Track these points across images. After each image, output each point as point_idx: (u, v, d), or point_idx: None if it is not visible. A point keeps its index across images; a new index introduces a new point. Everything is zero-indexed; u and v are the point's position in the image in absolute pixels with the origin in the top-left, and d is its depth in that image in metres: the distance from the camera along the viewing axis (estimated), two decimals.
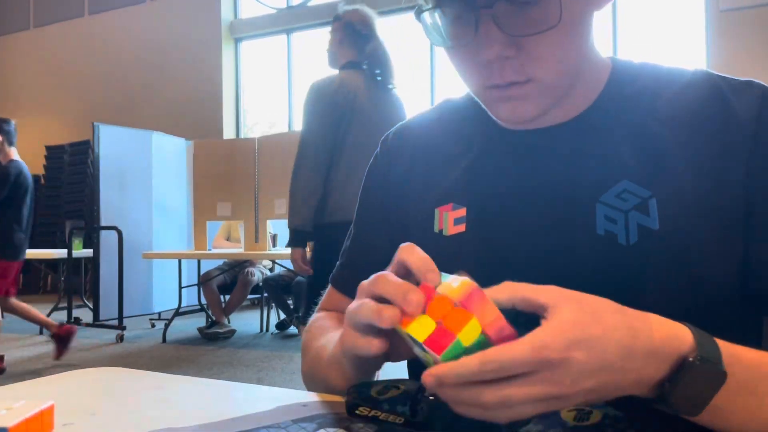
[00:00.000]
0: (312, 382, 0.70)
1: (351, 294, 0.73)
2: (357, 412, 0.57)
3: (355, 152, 2.11)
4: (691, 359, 0.45)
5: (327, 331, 0.70)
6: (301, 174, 2.14)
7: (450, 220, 0.68)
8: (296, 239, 2.18)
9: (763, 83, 0.63)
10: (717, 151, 0.60)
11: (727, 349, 0.47)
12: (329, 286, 0.81)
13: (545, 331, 0.42)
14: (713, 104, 0.62)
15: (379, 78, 2.18)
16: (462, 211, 0.67)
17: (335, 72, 2.15)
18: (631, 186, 0.60)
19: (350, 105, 2.09)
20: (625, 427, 0.46)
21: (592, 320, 0.43)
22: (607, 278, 0.58)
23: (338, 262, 0.80)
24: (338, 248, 0.82)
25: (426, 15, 0.60)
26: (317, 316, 0.78)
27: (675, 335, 0.46)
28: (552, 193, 0.63)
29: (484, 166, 0.69)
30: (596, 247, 0.60)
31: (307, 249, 2.35)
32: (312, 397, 0.64)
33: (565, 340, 0.42)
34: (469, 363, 0.42)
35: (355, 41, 2.17)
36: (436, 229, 0.69)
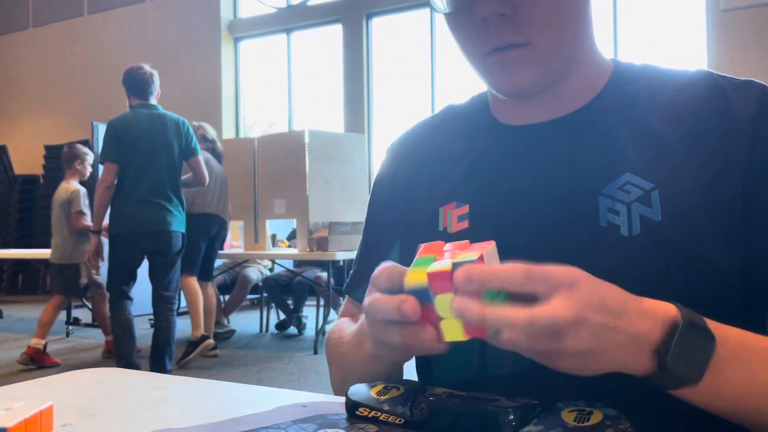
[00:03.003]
0: (346, 385, 0.70)
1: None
2: (357, 412, 0.57)
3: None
4: (679, 321, 0.48)
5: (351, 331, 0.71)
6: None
7: (454, 218, 0.69)
8: None
9: (762, 83, 0.64)
10: (718, 145, 0.61)
11: (713, 324, 0.50)
12: (346, 296, 0.83)
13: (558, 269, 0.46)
14: (714, 100, 0.63)
15: None
16: (465, 209, 0.68)
17: None
18: (634, 178, 0.61)
19: None
20: (626, 428, 0.46)
21: (589, 276, 0.47)
22: (610, 269, 0.58)
23: (351, 271, 0.82)
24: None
25: None
26: (338, 322, 0.79)
27: (661, 304, 0.50)
28: (554, 187, 0.64)
29: (486, 163, 0.70)
30: (599, 238, 0.60)
31: None
32: (312, 397, 0.64)
33: (572, 274, 0.46)
34: (511, 269, 0.45)
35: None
36: (441, 228, 0.70)
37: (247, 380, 3.71)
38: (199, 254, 4.31)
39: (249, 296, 5.74)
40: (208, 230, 4.34)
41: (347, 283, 0.82)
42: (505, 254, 0.62)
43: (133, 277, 3.50)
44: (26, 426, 0.49)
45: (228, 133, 8.17)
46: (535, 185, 0.65)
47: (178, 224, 3.43)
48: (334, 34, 7.77)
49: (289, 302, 5.44)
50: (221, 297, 5.40)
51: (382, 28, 7.59)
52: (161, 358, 3.53)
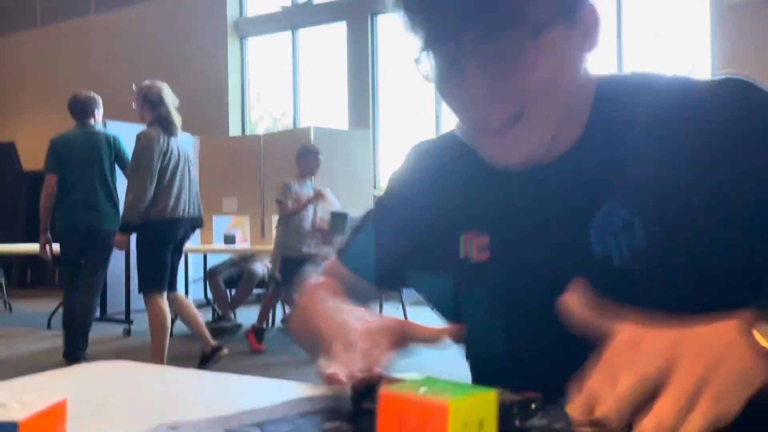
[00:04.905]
0: (301, 333, 0.73)
1: (357, 270, 0.78)
2: (362, 406, 0.57)
3: (164, 175, 3.66)
4: (751, 310, 0.46)
5: (327, 303, 0.71)
6: (140, 188, 3.57)
7: (475, 248, 0.70)
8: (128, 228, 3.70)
9: (741, 78, 0.62)
10: (694, 154, 0.60)
11: None
12: (334, 257, 0.81)
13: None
14: (685, 110, 0.62)
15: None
16: (485, 239, 0.69)
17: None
18: (615, 208, 0.62)
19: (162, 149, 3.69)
20: (631, 422, 0.46)
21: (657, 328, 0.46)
22: (612, 299, 0.58)
23: (347, 238, 0.81)
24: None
25: (423, 54, 0.63)
26: (318, 282, 0.78)
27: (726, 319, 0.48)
28: (555, 220, 0.66)
29: (504, 193, 0.70)
30: (593, 270, 0.61)
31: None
32: (318, 391, 0.64)
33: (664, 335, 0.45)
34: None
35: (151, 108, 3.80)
36: (462, 255, 0.71)
37: (253, 373, 3.71)
38: (165, 268, 3.69)
39: (255, 290, 5.75)
40: (173, 237, 3.74)
41: (342, 248, 0.81)
42: (523, 291, 0.66)
43: (80, 270, 4.11)
44: (39, 418, 0.49)
45: (235, 130, 8.17)
46: (544, 218, 0.66)
47: (108, 224, 4.07)
48: (339, 31, 7.76)
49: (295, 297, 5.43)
50: (228, 291, 5.41)
51: (387, 26, 7.57)
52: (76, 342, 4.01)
